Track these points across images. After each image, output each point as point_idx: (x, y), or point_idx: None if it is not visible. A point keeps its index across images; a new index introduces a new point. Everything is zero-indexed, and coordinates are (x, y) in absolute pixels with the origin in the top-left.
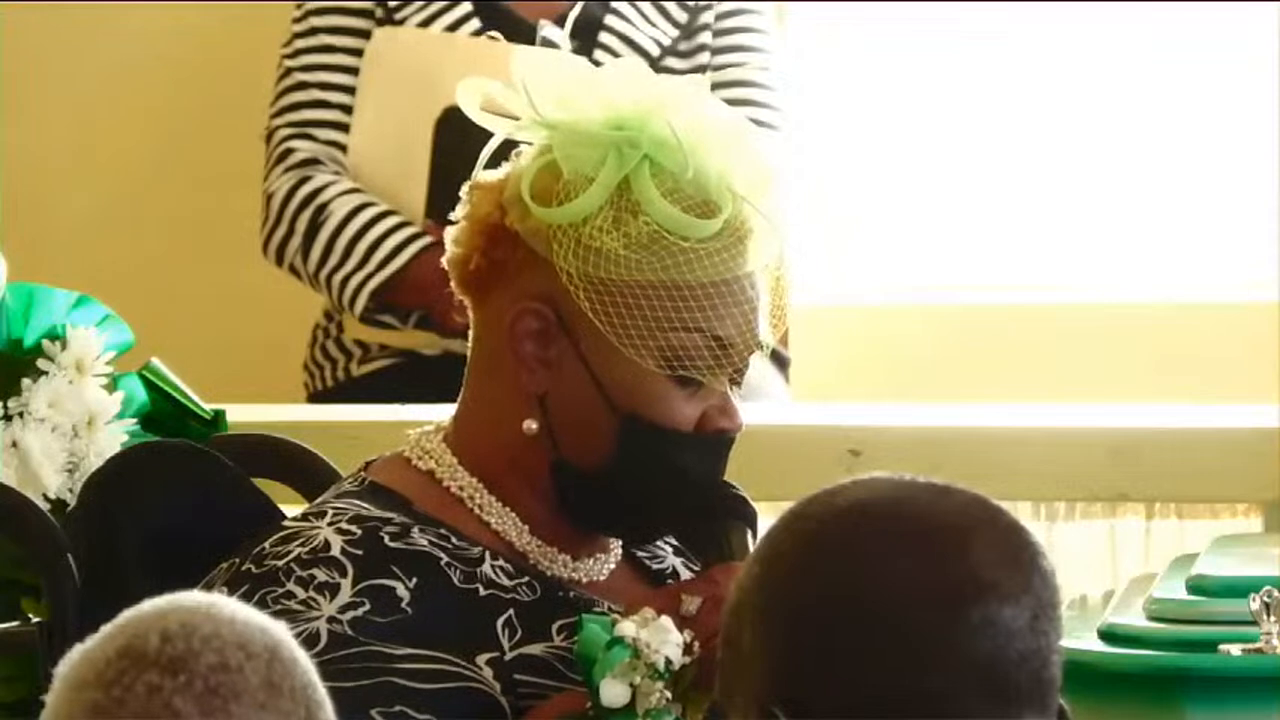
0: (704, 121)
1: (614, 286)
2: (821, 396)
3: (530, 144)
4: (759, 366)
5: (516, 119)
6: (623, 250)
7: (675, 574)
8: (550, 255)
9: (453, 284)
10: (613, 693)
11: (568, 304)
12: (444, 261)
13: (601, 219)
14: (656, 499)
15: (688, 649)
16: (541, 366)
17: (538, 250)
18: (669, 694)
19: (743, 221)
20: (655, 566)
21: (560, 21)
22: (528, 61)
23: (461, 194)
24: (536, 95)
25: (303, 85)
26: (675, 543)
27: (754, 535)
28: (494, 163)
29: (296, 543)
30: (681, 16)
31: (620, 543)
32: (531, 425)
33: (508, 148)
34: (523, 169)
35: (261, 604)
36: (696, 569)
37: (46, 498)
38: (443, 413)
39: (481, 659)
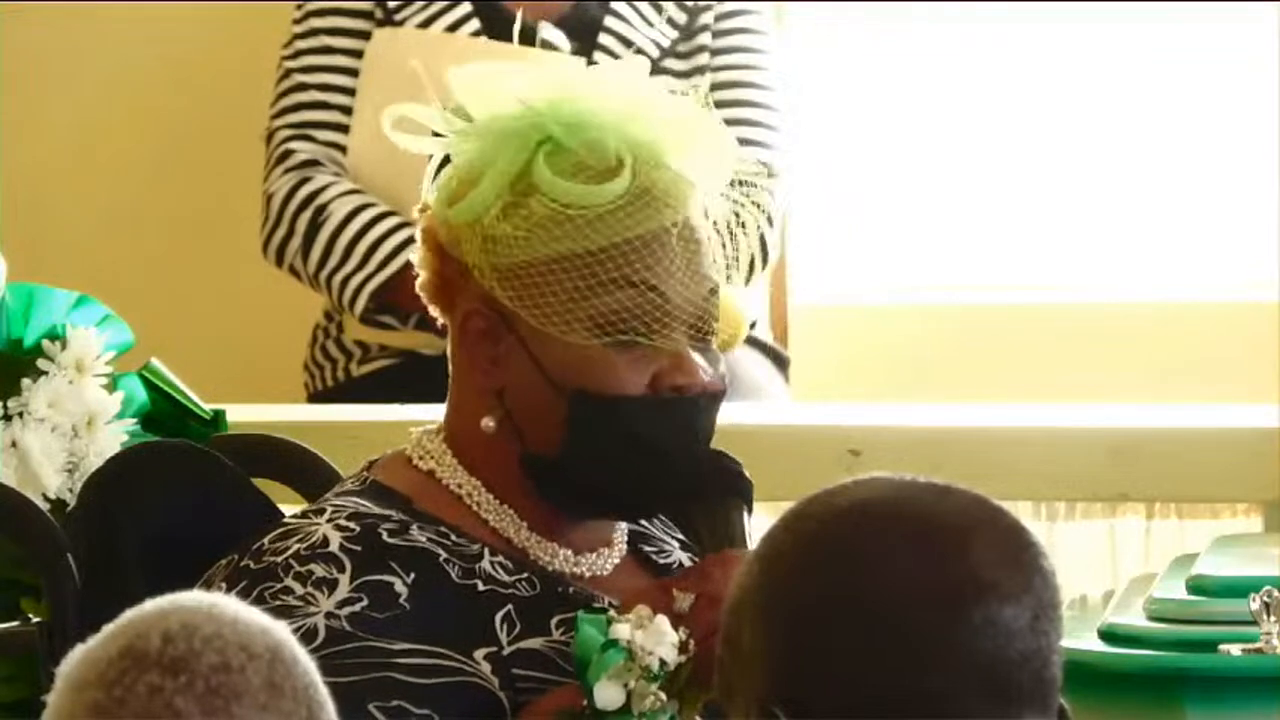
0: (619, 96)
1: (520, 269)
2: (821, 396)
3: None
4: (759, 366)
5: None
6: (519, 232)
7: (681, 568)
8: (464, 256)
9: (429, 307)
10: (607, 695)
11: (498, 298)
12: (417, 286)
13: (498, 208)
14: (624, 470)
15: (683, 647)
16: (492, 364)
17: (459, 256)
18: (664, 695)
19: (651, 181)
20: (661, 561)
21: (560, 23)
22: (462, 77)
23: (415, 216)
24: (468, 108)
25: (303, 86)
26: (681, 536)
27: (750, 509)
28: None
29: (295, 539)
30: (680, 17)
31: (625, 537)
32: (489, 423)
33: None
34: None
35: (260, 599)
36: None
37: (46, 498)
38: (442, 413)
39: (480, 654)
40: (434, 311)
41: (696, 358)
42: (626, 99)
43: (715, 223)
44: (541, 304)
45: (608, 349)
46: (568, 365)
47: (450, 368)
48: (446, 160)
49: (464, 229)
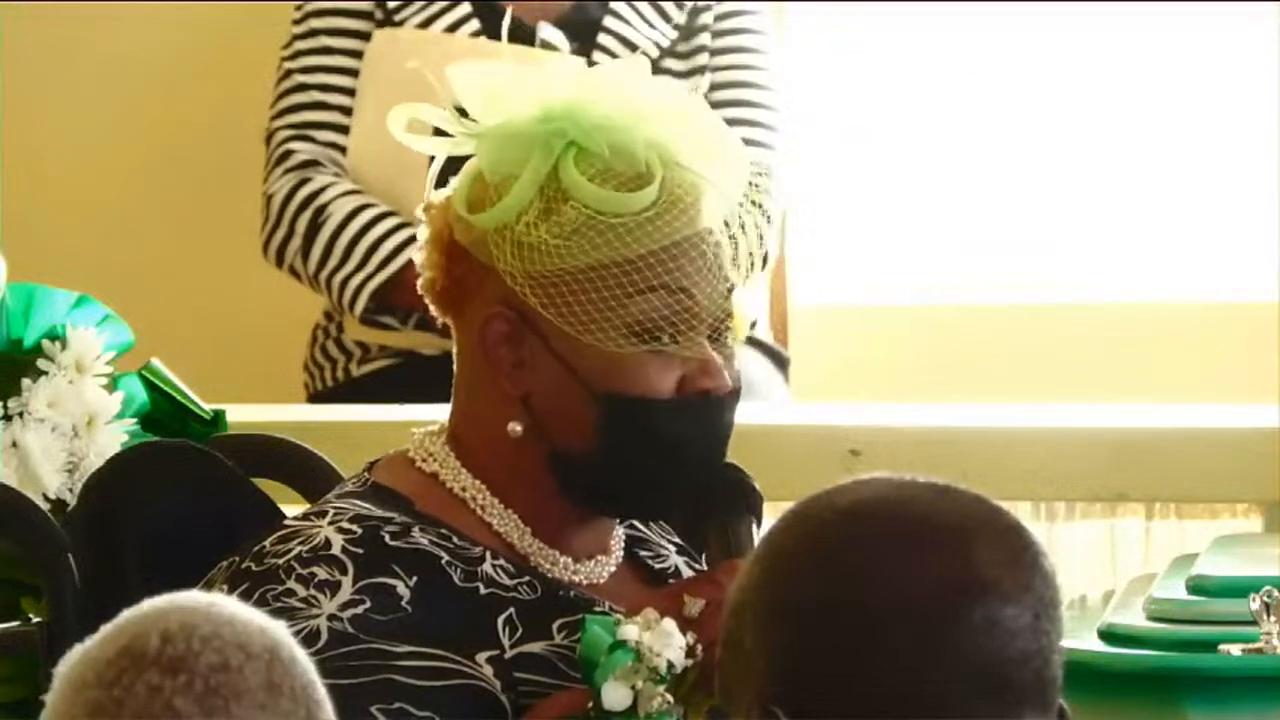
0: (635, 98)
1: (555, 277)
2: (821, 396)
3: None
4: (759, 366)
5: (452, 137)
6: (554, 240)
7: (678, 574)
8: (493, 261)
9: (431, 308)
10: (615, 696)
11: (525, 302)
12: (419, 286)
13: (531, 214)
14: (653, 470)
15: (690, 651)
16: (516, 368)
17: (483, 259)
18: (670, 697)
19: (680, 186)
20: (658, 566)
21: (560, 23)
22: (462, 76)
23: (419, 216)
24: (470, 108)
25: (302, 87)
26: (679, 541)
27: (759, 524)
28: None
29: (297, 541)
30: (680, 18)
31: (622, 544)
32: (516, 427)
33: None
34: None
35: (261, 602)
36: (699, 568)
37: (46, 498)
38: (442, 413)
39: (482, 657)
40: (437, 313)
41: (716, 358)
42: (641, 101)
43: (727, 224)
44: (578, 311)
45: (642, 353)
46: (599, 368)
47: (456, 369)
48: (451, 161)
49: (491, 234)
